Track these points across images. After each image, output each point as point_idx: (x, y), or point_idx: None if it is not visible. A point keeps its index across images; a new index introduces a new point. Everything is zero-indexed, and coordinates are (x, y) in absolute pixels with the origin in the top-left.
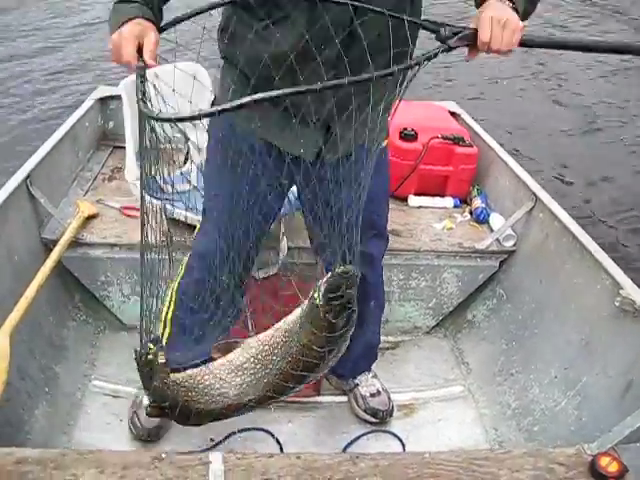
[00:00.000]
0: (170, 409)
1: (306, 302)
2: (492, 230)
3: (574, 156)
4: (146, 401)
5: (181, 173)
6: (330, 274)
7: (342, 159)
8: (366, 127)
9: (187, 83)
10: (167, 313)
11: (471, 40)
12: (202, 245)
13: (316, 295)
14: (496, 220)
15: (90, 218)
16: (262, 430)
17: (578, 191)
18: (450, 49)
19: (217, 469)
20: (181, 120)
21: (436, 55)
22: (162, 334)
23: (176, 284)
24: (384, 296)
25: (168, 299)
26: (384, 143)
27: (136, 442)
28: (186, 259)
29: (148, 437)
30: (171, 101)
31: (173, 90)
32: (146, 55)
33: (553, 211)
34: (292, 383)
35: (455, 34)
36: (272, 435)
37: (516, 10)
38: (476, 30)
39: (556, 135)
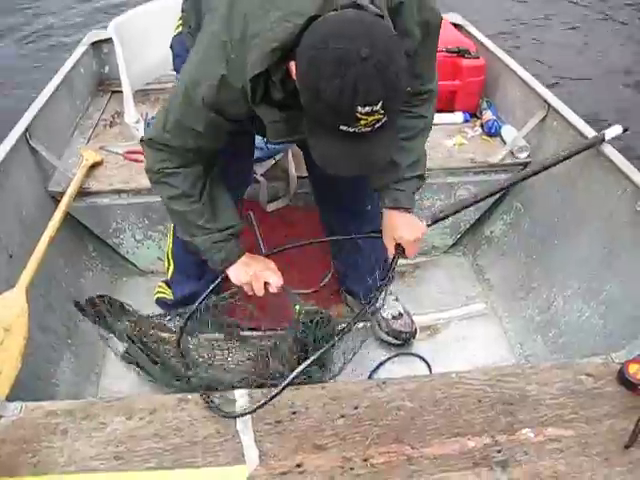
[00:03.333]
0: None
1: None
2: (505, 143)
3: (584, 63)
4: None
5: None
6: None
7: None
8: None
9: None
10: (169, 249)
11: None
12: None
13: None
14: (508, 132)
15: (95, 166)
16: None
17: (591, 98)
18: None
19: (244, 405)
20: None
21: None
22: (167, 270)
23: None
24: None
25: (169, 235)
26: None
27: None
28: None
29: None
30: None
31: None
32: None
33: (567, 118)
34: None
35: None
36: None
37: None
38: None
39: (565, 43)
